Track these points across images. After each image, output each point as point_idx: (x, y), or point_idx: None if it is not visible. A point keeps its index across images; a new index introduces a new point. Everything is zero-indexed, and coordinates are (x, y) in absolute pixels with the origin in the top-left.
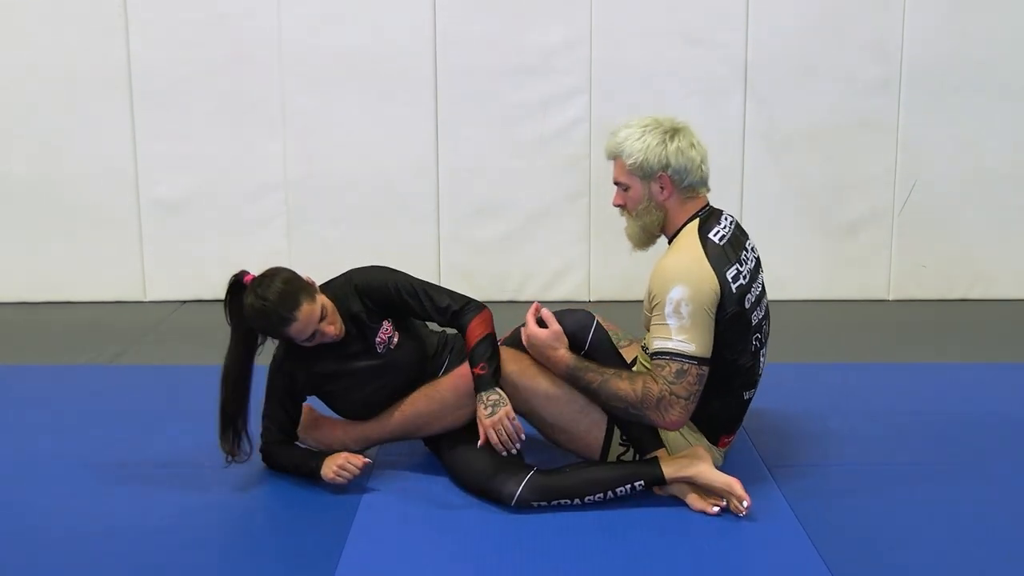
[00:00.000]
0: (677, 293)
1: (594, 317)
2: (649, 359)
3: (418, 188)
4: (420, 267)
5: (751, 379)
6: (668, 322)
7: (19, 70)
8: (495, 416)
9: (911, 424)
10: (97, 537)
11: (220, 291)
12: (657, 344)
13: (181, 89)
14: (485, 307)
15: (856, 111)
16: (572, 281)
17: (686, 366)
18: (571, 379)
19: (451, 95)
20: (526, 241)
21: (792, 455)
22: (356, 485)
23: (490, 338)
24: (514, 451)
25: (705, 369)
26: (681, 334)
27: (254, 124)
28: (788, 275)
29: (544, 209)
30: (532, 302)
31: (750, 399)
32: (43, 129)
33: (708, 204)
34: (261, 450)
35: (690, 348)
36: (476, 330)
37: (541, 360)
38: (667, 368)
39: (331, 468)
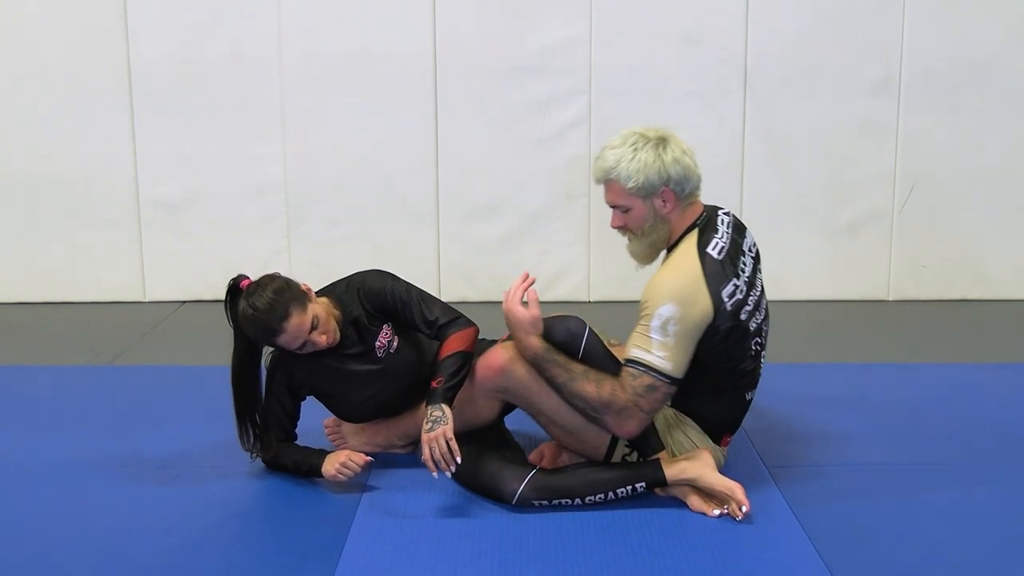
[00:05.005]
0: (667, 311)
1: (585, 324)
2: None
3: (418, 188)
4: (420, 267)
5: (752, 380)
6: (652, 335)
7: (19, 70)
8: (433, 432)
9: (911, 424)
10: (97, 537)
11: (219, 291)
12: (635, 352)
13: (181, 89)
14: (474, 325)
15: (856, 111)
16: (571, 281)
17: (658, 383)
18: (536, 367)
19: (451, 95)
20: (526, 241)
21: (791, 455)
22: (356, 484)
23: (461, 355)
24: (448, 473)
25: (674, 389)
26: (662, 351)
27: (254, 124)
28: (788, 275)
29: (544, 209)
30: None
31: (751, 399)
32: (43, 129)
33: (704, 209)
34: (258, 449)
35: (667, 367)
36: (452, 344)
37: (513, 336)
38: (639, 380)
39: (333, 465)
